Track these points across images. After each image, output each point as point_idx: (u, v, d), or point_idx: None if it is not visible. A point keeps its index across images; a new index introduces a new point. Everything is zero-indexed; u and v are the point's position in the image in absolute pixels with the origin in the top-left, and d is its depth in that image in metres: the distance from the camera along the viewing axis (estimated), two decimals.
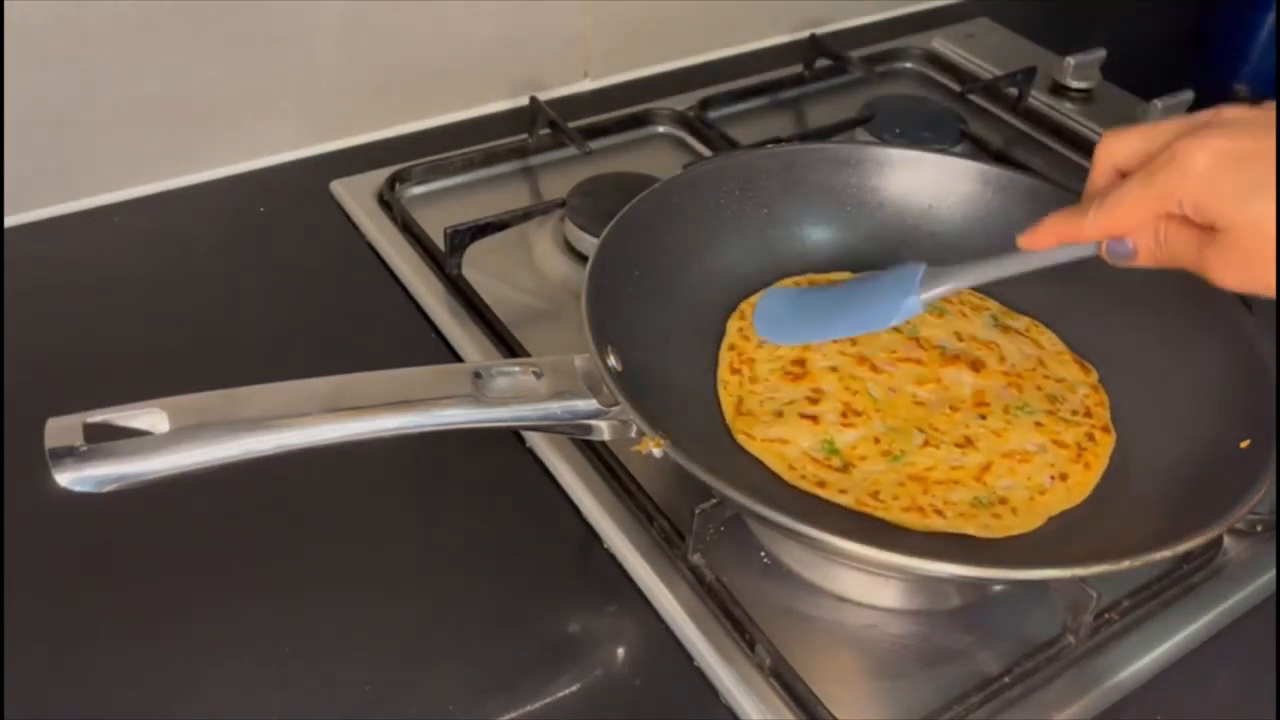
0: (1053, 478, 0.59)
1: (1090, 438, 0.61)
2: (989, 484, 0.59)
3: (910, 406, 0.63)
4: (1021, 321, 0.69)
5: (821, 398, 0.62)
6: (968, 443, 0.61)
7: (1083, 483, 0.59)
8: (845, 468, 0.59)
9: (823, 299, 0.67)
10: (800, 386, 0.63)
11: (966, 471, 0.59)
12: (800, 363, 0.64)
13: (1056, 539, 0.56)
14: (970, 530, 0.56)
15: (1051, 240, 0.54)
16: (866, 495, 0.57)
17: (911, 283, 0.59)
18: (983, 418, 0.62)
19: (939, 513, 0.57)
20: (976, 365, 0.65)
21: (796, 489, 0.58)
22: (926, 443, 0.60)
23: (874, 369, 0.64)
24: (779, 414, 0.61)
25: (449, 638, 0.55)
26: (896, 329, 0.66)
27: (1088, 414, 0.63)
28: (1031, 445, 0.61)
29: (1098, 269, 0.66)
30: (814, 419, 0.61)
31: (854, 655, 0.55)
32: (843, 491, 0.58)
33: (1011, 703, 0.52)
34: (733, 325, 0.67)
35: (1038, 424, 0.62)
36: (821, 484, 0.58)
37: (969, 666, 0.54)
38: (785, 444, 0.60)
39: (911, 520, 0.56)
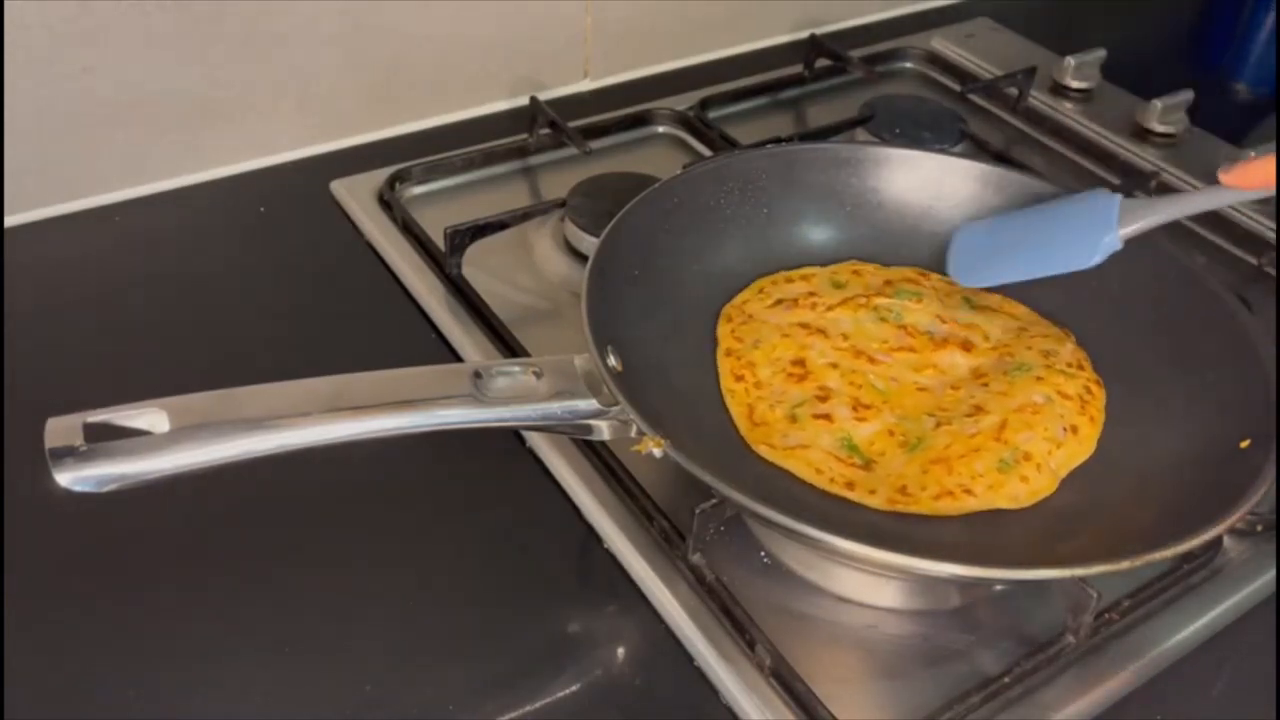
0: (1064, 429, 0.60)
1: (1088, 390, 0.63)
2: (1009, 440, 0.59)
3: (914, 394, 0.63)
4: (994, 299, 0.70)
5: (829, 395, 0.62)
6: (978, 410, 0.61)
7: (1090, 436, 0.61)
8: (868, 465, 0.59)
9: (1012, 234, 0.66)
10: (806, 387, 0.63)
11: (985, 435, 0.60)
12: (800, 363, 0.64)
13: (1059, 537, 0.56)
14: (1001, 503, 0.57)
15: (1261, 181, 0.53)
16: (895, 492, 0.57)
17: (1109, 218, 0.58)
18: (985, 386, 0.63)
19: (969, 492, 0.57)
20: (966, 346, 0.66)
21: (826, 493, 0.58)
22: (939, 424, 0.61)
23: (871, 361, 0.64)
24: (793, 419, 0.61)
25: (449, 638, 0.55)
26: (882, 318, 0.67)
27: (1080, 367, 0.64)
28: (1039, 397, 0.61)
29: (1100, 273, 0.66)
30: (828, 417, 0.61)
31: (854, 655, 0.55)
32: (872, 492, 0.58)
33: (1011, 703, 0.52)
34: (724, 329, 0.66)
35: (1038, 378, 0.63)
36: (850, 485, 0.58)
37: (969, 666, 0.54)
38: (807, 448, 0.59)
39: (945, 507, 0.57)
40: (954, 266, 0.67)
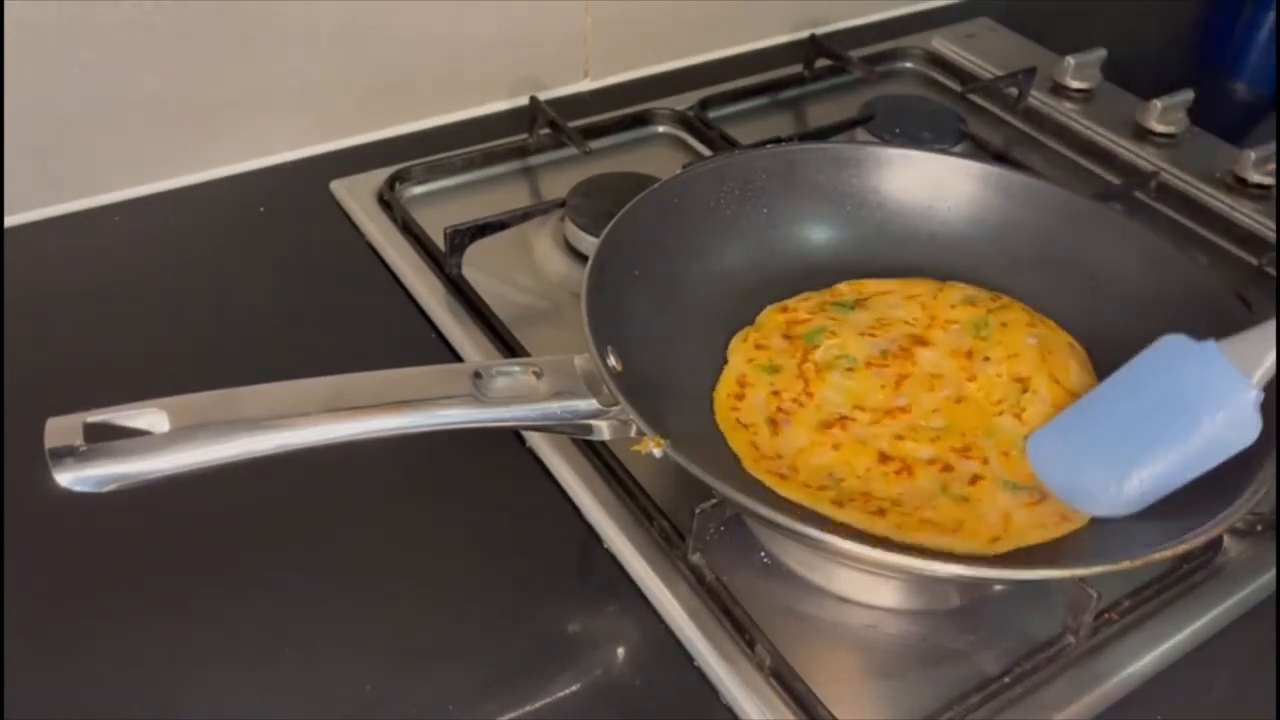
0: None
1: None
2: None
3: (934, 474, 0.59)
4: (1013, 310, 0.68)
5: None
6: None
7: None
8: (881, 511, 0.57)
9: (1100, 423, 0.56)
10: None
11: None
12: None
13: (1057, 538, 0.56)
14: (1033, 539, 0.54)
15: None
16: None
17: (1225, 372, 0.49)
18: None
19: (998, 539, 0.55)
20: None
21: None
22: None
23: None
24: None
25: (449, 638, 0.55)
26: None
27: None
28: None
29: (1101, 273, 0.66)
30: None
31: (854, 655, 0.55)
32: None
33: (1011, 703, 0.52)
34: (741, 351, 0.64)
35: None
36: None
37: (969, 666, 0.54)
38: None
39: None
40: (1046, 478, 0.56)
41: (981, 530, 0.55)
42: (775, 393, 0.62)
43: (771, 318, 0.67)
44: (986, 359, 0.63)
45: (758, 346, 0.64)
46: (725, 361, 0.64)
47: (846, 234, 0.72)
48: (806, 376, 0.63)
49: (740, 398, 0.62)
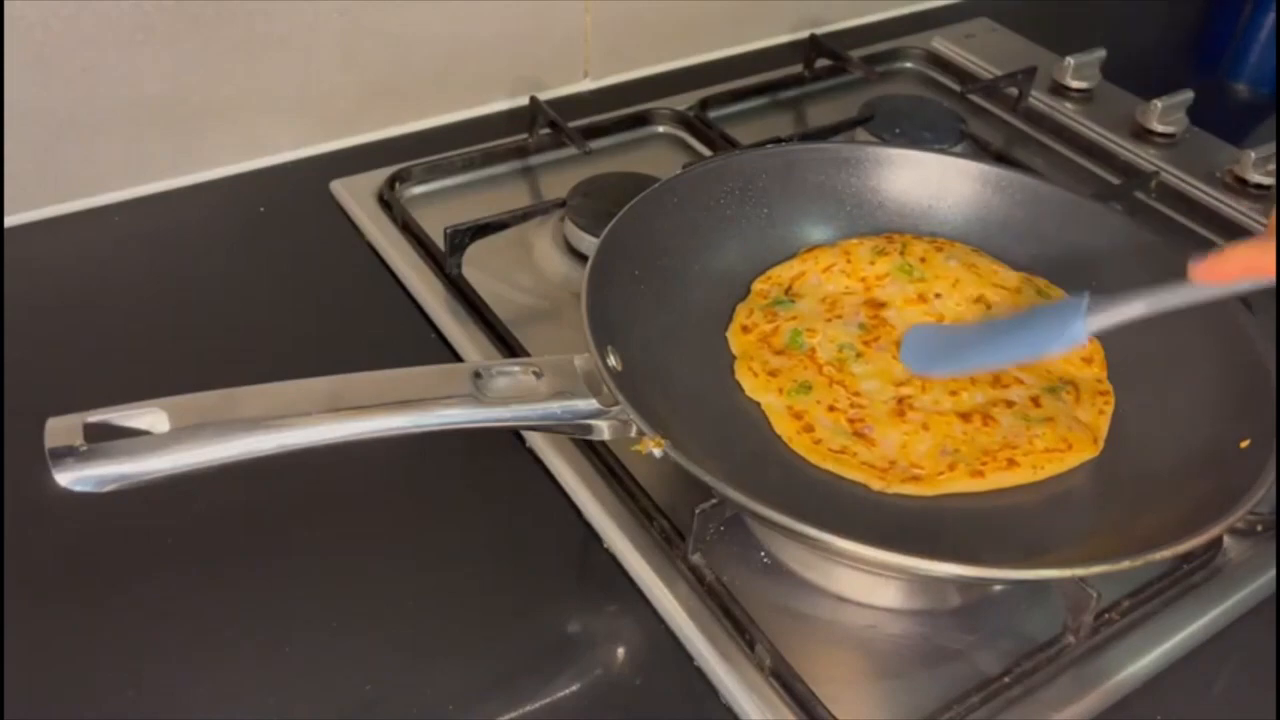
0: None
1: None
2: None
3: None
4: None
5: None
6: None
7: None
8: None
9: (972, 332, 0.64)
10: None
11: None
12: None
13: (1057, 538, 0.56)
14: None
15: (1237, 273, 0.51)
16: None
17: (1076, 311, 0.56)
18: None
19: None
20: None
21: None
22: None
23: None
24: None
25: (449, 638, 0.55)
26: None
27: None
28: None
29: (1100, 273, 0.66)
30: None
31: (854, 655, 0.55)
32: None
33: (1011, 703, 0.52)
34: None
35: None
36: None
37: (969, 666, 0.54)
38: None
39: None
40: (907, 356, 0.64)
41: (1082, 438, 0.59)
42: (831, 408, 0.61)
43: (743, 340, 0.66)
44: (938, 295, 0.66)
45: (771, 374, 0.63)
46: (729, 370, 0.64)
47: (846, 234, 0.72)
48: (837, 380, 0.62)
49: (810, 429, 0.60)
